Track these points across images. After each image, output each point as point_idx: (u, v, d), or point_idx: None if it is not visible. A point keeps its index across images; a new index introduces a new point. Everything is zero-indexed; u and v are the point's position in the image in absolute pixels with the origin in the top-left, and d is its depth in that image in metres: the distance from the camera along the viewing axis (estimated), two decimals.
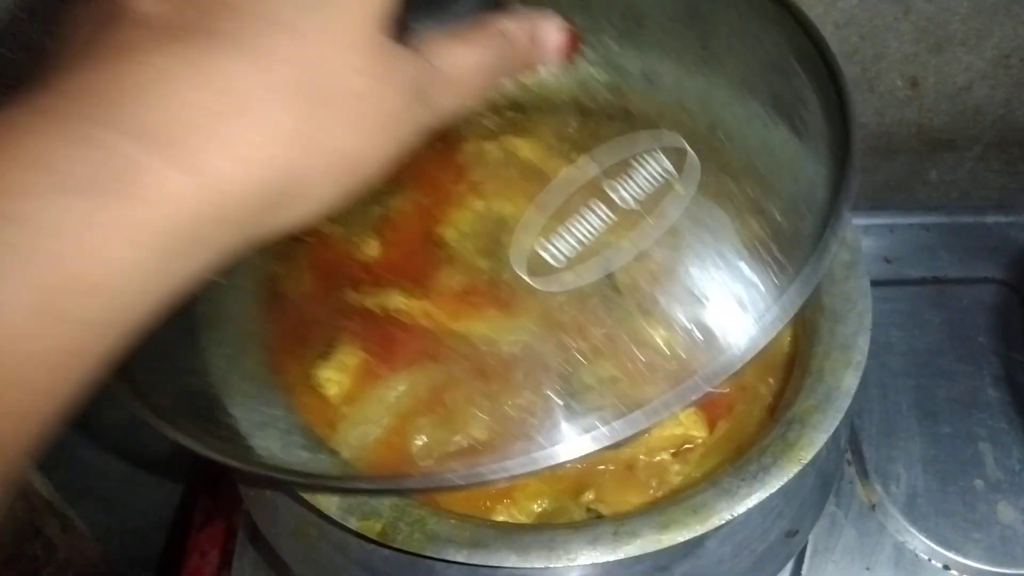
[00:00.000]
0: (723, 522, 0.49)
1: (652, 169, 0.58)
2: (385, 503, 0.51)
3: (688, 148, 0.61)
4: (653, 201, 0.58)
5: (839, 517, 0.81)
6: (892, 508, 0.81)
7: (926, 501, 0.81)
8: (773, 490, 0.49)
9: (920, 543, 0.79)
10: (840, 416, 0.53)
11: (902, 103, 1.01)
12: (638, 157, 0.59)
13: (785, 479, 0.50)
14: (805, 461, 0.51)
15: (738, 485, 0.50)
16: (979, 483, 0.82)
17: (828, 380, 0.54)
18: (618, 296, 0.69)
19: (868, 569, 0.78)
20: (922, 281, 0.96)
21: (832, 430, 0.52)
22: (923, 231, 1.00)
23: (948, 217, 1.01)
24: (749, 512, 0.50)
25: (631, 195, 0.57)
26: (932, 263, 0.97)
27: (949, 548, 0.79)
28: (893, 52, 0.96)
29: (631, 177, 0.57)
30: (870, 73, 0.97)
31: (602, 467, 0.62)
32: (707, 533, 0.49)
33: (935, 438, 0.85)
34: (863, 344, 0.56)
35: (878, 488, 0.82)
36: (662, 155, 0.59)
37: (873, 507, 0.81)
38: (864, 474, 0.83)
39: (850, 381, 0.54)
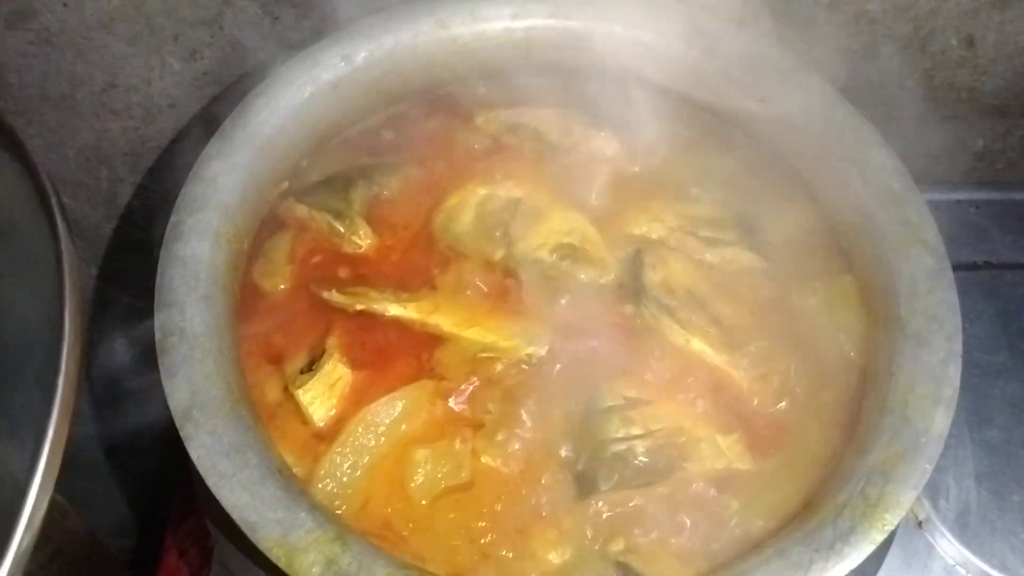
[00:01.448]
0: None
1: None
2: (379, 574, 0.42)
3: None
4: None
5: None
6: (941, 525, 0.73)
7: (979, 518, 0.73)
8: (854, 565, 0.41)
9: (973, 566, 0.71)
10: (931, 467, 0.44)
11: (955, 64, 0.90)
12: None
13: (868, 550, 0.41)
14: (891, 526, 0.42)
15: (811, 558, 0.41)
16: None
17: (915, 421, 0.45)
18: (645, 299, 0.59)
19: None
20: (972, 266, 0.86)
21: (922, 485, 0.43)
22: (972, 209, 0.90)
23: (1000, 193, 0.91)
24: None
25: None
26: (982, 245, 0.87)
27: (1006, 572, 0.70)
28: (951, 7, 0.85)
29: None
30: (923, 31, 0.87)
31: (633, 505, 0.53)
32: None
33: (988, 445, 0.76)
34: (954, 375, 0.47)
35: (926, 503, 0.74)
36: None
37: (920, 524, 0.73)
38: None
39: (941, 422, 0.45)
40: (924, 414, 0.45)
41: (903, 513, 0.42)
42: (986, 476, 0.75)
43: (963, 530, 0.72)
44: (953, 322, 0.49)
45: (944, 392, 0.46)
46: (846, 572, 0.41)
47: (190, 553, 0.90)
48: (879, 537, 0.42)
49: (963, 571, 0.71)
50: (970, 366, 0.79)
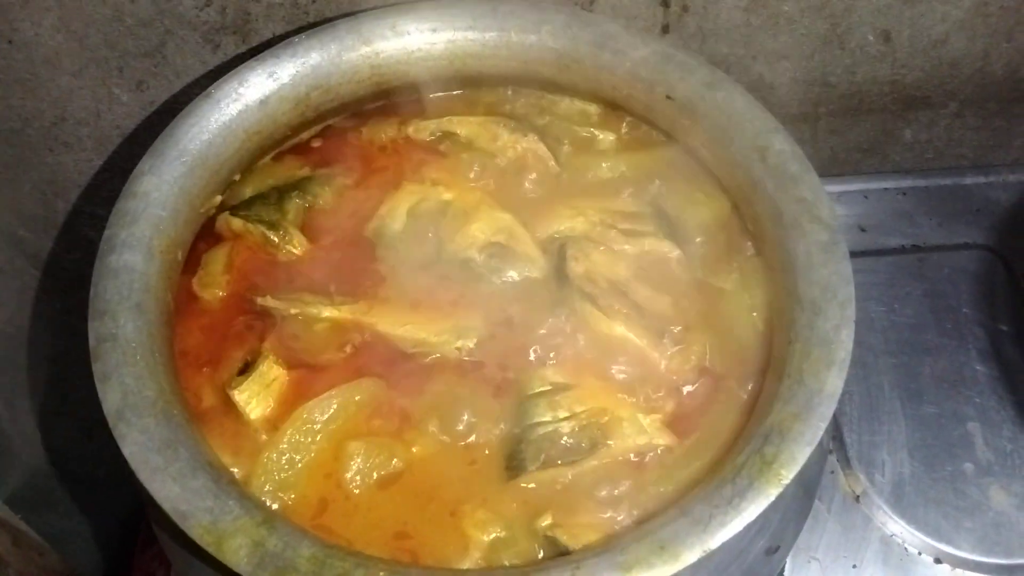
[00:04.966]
0: (694, 559, 0.42)
1: None
2: (303, 555, 0.44)
3: None
4: None
5: (821, 511, 0.75)
6: (877, 498, 0.75)
7: (913, 489, 0.76)
8: (751, 519, 0.43)
9: (909, 535, 0.74)
10: (824, 425, 0.46)
11: (874, 59, 0.94)
12: None
13: (764, 504, 0.44)
14: (786, 481, 0.45)
15: (710, 513, 0.44)
16: (969, 466, 0.77)
17: (808, 383, 0.48)
18: (568, 289, 0.62)
19: (855, 567, 0.72)
20: (900, 250, 0.90)
21: (816, 442, 0.46)
22: (899, 196, 0.94)
23: (925, 180, 0.95)
24: None
25: None
26: (910, 230, 0.91)
27: (940, 539, 0.73)
28: (864, 3, 0.89)
29: None
30: (840, 28, 0.90)
31: (559, 483, 0.55)
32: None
33: (920, 420, 0.79)
34: (847, 339, 0.49)
35: (862, 477, 0.76)
36: None
37: (857, 498, 0.76)
38: (846, 462, 0.77)
39: (833, 383, 0.48)
40: (818, 376, 0.48)
41: (797, 468, 0.45)
42: (919, 449, 0.78)
43: (898, 501, 0.75)
44: (846, 290, 0.51)
45: (837, 355, 0.49)
46: (743, 526, 0.43)
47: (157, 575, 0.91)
48: (774, 491, 0.44)
49: (899, 541, 0.74)
50: (901, 345, 0.84)
